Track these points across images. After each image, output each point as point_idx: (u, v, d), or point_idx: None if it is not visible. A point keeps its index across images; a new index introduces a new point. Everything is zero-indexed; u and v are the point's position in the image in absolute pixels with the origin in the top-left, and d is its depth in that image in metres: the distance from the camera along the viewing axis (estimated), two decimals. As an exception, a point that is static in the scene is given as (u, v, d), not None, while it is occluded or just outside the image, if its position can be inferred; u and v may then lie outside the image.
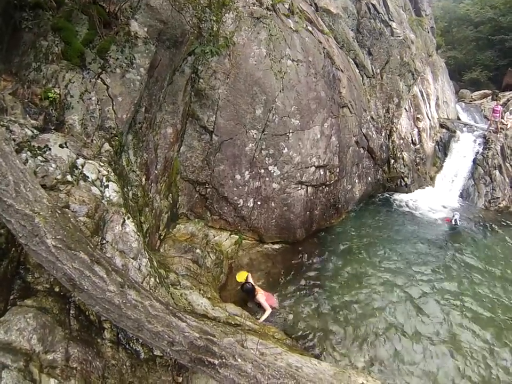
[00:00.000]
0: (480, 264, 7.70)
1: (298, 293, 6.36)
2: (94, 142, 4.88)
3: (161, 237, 6.39)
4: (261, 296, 5.74)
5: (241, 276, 6.17)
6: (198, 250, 6.44)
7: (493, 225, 10.15)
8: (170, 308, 3.27)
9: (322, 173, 8.24)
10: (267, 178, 7.35)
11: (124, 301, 2.92)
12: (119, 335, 3.50)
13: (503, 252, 8.54)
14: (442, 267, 7.44)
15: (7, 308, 2.99)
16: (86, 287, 2.85)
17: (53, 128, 4.49)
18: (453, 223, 9.45)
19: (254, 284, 5.94)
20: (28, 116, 4.39)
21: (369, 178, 11.01)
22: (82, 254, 2.96)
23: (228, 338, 3.49)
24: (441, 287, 6.73)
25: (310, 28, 9.11)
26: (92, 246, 3.22)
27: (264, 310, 5.67)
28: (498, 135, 13.24)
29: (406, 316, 5.89)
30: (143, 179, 5.90)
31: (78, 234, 3.15)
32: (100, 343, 3.33)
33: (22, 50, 4.81)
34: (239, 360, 2.91)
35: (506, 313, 6.20)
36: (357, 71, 11.37)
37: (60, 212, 3.18)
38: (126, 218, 4.34)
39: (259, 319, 5.49)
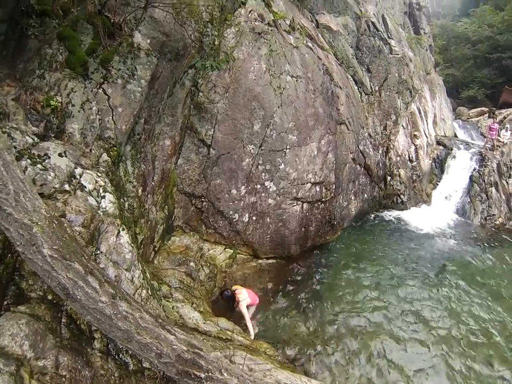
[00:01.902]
0: (474, 285, 7.63)
1: (291, 309, 6.34)
2: (93, 151, 4.92)
3: (156, 249, 6.38)
4: (244, 304, 5.53)
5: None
6: (192, 263, 6.44)
7: (489, 243, 10.15)
8: (160, 320, 3.33)
9: (318, 189, 8.26)
10: (263, 194, 7.37)
11: (115, 312, 2.99)
12: (109, 346, 3.51)
13: (500, 270, 8.51)
14: (436, 287, 7.40)
15: (0, 313, 3.04)
16: (79, 297, 2.92)
17: (53, 135, 4.54)
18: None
19: (235, 290, 5.74)
20: (29, 122, 4.42)
21: (366, 195, 11.06)
22: (77, 264, 3.03)
23: (215, 352, 3.56)
24: (434, 308, 6.67)
25: (310, 44, 9.25)
26: (87, 257, 3.29)
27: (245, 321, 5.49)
28: (495, 153, 13.41)
29: (398, 337, 5.84)
30: (140, 190, 5.92)
31: (73, 245, 3.23)
32: (90, 353, 3.35)
33: (27, 56, 4.88)
34: (225, 374, 2.96)
35: (503, 333, 6.14)
36: (356, 88, 11.53)
37: (57, 222, 3.25)
38: (120, 229, 4.36)
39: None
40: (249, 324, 5.45)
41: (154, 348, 2.95)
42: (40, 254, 2.90)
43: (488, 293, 7.34)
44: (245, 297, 5.62)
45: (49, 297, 3.33)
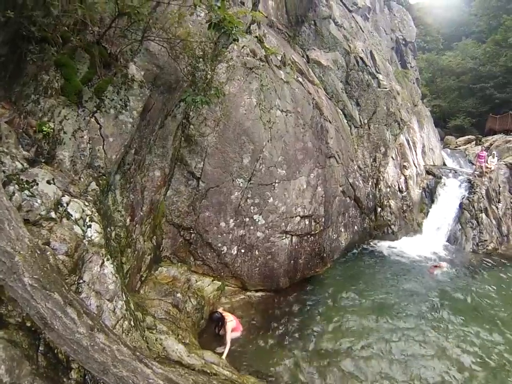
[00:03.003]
0: (470, 316, 7.49)
1: (280, 342, 6.20)
2: (82, 179, 4.91)
3: (143, 279, 6.29)
4: (230, 326, 5.79)
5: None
6: (179, 295, 6.34)
7: (482, 269, 10.18)
8: (137, 353, 3.30)
9: (307, 222, 8.27)
10: (252, 227, 7.36)
11: (92, 344, 2.99)
12: (86, 377, 3.46)
13: (494, 297, 8.46)
14: (429, 320, 7.24)
15: None
16: (56, 327, 2.93)
17: (43, 161, 4.54)
18: (435, 274, 9.45)
19: (222, 313, 6.01)
20: (20, 146, 4.44)
21: (356, 227, 11.07)
22: (57, 295, 3.06)
23: None
24: (428, 340, 6.51)
25: (300, 79, 9.52)
26: (67, 288, 3.30)
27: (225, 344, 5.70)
28: (483, 179, 13.63)
29: (390, 374, 5.65)
30: (128, 220, 5.89)
31: (54, 275, 3.24)
32: (66, 383, 3.32)
33: (24, 81, 4.89)
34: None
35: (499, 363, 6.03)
36: (345, 121, 11.81)
37: (39, 252, 3.28)
38: (105, 259, 4.34)
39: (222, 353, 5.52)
40: (227, 348, 5.59)
41: (130, 381, 2.94)
42: (20, 282, 2.94)
43: (484, 322, 7.24)
44: (231, 320, 5.89)
45: (28, 324, 3.30)
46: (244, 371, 5.28)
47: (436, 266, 9.89)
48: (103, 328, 3.21)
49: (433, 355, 6.13)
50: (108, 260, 4.35)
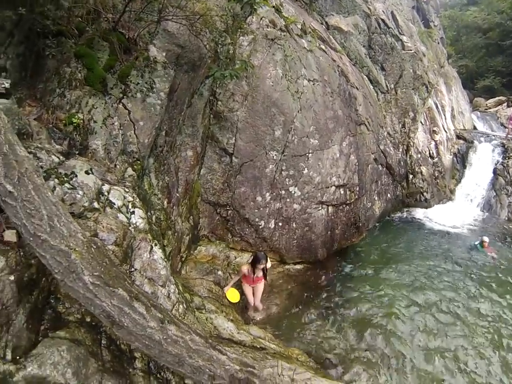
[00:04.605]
0: (503, 294, 7.13)
1: (321, 314, 6.22)
2: (118, 166, 4.92)
3: (183, 259, 6.35)
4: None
5: (232, 295, 6.08)
6: (219, 272, 6.43)
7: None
8: (210, 341, 3.26)
9: (342, 192, 8.15)
10: (288, 199, 7.28)
11: (165, 337, 2.92)
12: (150, 364, 3.46)
13: None
14: (469, 289, 7.09)
15: (38, 339, 2.96)
16: (126, 324, 2.84)
17: (77, 153, 4.55)
18: (477, 245, 9.07)
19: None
20: (52, 141, 4.45)
21: (389, 195, 10.88)
22: (121, 290, 2.95)
23: (267, 369, 3.45)
24: (471, 311, 6.37)
25: (323, 47, 9.18)
26: (130, 282, 3.20)
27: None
28: (517, 143, 13.03)
29: (436, 343, 5.57)
30: (165, 202, 5.92)
31: (114, 269, 3.13)
32: (132, 373, 3.30)
33: (46, 76, 4.92)
34: (277, 392, 2.85)
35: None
36: (371, 87, 11.37)
37: (95, 246, 3.17)
38: (153, 245, 4.33)
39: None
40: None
41: (207, 370, 2.90)
42: (81, 281, 2.81)
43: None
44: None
45: (88, 319, 3.28)
46: (286, 343, 5.30)
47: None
48: (173, 319, 3.16)
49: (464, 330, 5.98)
50: (155, 245, 4.34)
